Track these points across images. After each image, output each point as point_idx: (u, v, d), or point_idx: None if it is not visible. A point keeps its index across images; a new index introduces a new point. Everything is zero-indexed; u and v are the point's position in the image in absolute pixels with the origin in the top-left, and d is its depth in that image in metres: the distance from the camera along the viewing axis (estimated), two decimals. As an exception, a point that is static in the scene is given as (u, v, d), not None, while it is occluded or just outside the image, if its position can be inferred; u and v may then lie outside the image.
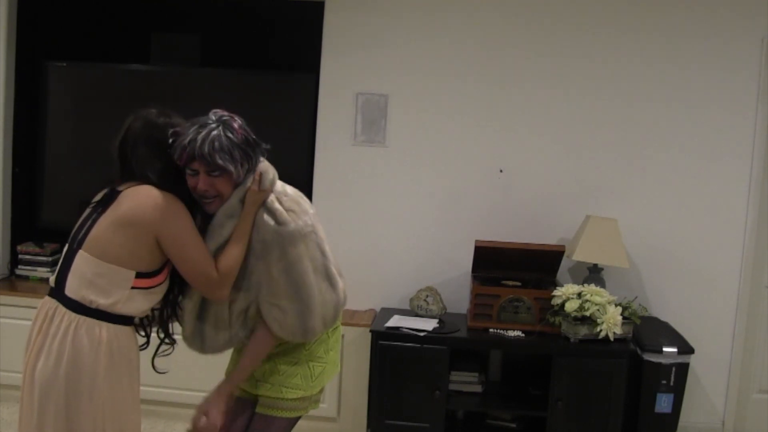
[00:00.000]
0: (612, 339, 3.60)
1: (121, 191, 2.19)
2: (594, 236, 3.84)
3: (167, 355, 2.36)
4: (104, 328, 2.13)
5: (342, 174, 4.18)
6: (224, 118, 2.22)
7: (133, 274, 2.15)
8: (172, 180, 2.20)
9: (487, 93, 4.08)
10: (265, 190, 2.24)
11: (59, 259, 2.24)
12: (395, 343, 3.70)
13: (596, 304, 3.60)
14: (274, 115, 4.21)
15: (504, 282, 3.92)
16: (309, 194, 3.88)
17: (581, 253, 3.83)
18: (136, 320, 2.27)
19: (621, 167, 4.07)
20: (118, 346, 2.16)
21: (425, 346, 3.69)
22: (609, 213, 3.99)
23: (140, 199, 2.15)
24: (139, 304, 2.19)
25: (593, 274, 3.93)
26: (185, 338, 2.37)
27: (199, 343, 2.35)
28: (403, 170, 4.16)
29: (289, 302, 2.26)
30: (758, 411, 4.12)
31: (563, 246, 3.91)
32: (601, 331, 3.59)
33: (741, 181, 4.01)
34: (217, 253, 2.21)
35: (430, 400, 3.68)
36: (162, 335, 2.37)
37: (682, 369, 3.69)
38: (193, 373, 3.60)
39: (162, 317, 2.35)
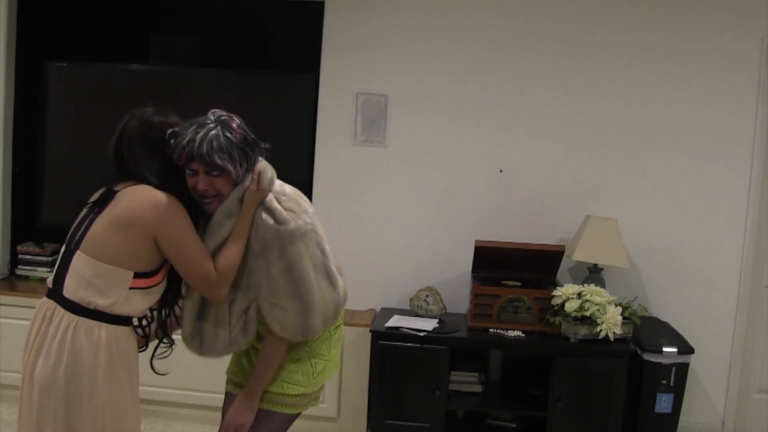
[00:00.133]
0: (612, 339, 3.60)
1: (117, 191, 2.18)
2: (594, 236, 3.84)
3: (164, 357, 2.36)
4: (103, 329, 2.12)
5: (342, 174, 4.18)
6: (223, 117, 2.22)
7: (131, 274, 2.14)
8: (169, 179, 2.20)
9: (487, 93, 4.08)
10: (263, 190, 2.24)
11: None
12: (395, 343, 3.70)
13: (596, 304, 3.60)
14: (274, 115, 4.21)
15: (504, 282, 3.92)
16: (309, 194, 3.88)
17: (581, 253, 3.83)
18: (135, 320, 2.27)
19: (621, 167, 4.07)
20: (117, 346, 2.15)
21: (425, 346, 3.69)
22: (609, 213, 3.99)
23: (138, 198, 2.14)
24: (138, 304, 2.19)
25: (593, 274, 3.93)
26: (184, 339, 2.36)
27: (198, 343, 2.34)
28: (403, 170, 4.16)
29: (290, 301, 2.26)
30: (758, 411, 4.12)
31: (563, 246, 3.91)
32: (601, 331, 3.59)
33: (741, 181, 4.01)
34: (215, 253, 2.21)
35: (430, 400, 3.68)
36: (161, 335, 2.37)
37: (682, 369, 3.69)
38: (193, 373, 3.62)
39: (161, 317, 2.34)
